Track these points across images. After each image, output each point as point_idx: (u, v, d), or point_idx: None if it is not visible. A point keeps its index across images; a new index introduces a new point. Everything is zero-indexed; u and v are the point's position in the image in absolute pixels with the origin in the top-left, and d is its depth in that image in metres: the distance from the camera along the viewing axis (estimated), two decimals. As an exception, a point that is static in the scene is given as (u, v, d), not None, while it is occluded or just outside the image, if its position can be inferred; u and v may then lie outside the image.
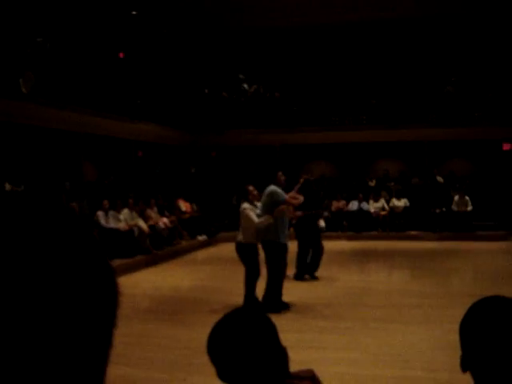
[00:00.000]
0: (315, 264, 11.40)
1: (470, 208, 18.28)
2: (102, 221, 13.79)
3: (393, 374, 5.81)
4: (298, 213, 11.00)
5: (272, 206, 8.35)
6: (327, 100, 21.77)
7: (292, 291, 9.35)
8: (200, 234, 18.03)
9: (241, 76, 23.83)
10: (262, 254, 8.57)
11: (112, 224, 13.92)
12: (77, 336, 0.56)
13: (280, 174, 8.73)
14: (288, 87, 22.76)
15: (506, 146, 20.39)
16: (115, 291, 0.62)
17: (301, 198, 9.27)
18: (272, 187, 8.54)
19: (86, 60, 16.25)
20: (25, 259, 0.53)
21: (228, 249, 16.32)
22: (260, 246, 8.59)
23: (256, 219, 8.40)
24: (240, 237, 8.61)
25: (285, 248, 8.55)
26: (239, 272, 9.19)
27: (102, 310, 0.60)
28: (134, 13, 19.64)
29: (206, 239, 17.97)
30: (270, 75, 23.39)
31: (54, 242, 0.56)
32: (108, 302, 0.61)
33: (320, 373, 1.87)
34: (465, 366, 1.51)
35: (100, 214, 13.91)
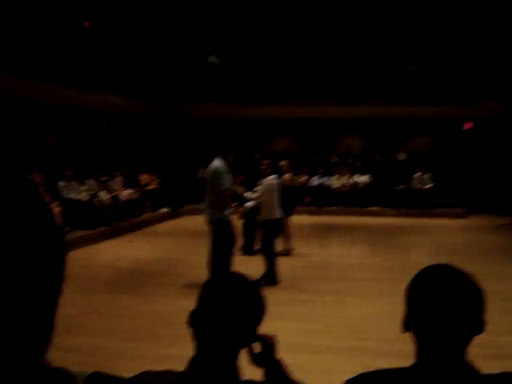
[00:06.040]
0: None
1: (428, 185, 18.56)
2: (64, 192, 13.69)
3: (347, 344, 5.95)
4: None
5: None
6: (291, 74, 21.77)
7: (252, 264, 9.44)
8: (163, 207, 17.98)
9: (207, 48, 23.65)
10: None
11: (73, 195, 13.82)
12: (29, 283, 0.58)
13: (233, 153, 8.23)
14: (253, 61, 22.68)
15: (466, 126, 20.73)
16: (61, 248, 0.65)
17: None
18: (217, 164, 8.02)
19: (49, 28, 15.94)
20: None
21: (192, 221, 16.37)
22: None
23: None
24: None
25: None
26: (202, 245, 9.23)
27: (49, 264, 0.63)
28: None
29: (169, 211, 17.93)
30: (235, 49, 23.26)
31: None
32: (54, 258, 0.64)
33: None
34: (407, 327, 1.61)
35: (61, 184, 13.80)
